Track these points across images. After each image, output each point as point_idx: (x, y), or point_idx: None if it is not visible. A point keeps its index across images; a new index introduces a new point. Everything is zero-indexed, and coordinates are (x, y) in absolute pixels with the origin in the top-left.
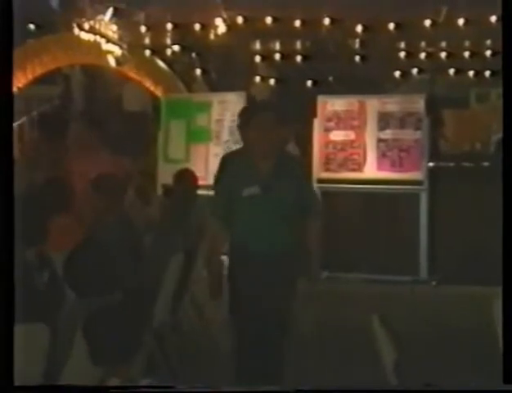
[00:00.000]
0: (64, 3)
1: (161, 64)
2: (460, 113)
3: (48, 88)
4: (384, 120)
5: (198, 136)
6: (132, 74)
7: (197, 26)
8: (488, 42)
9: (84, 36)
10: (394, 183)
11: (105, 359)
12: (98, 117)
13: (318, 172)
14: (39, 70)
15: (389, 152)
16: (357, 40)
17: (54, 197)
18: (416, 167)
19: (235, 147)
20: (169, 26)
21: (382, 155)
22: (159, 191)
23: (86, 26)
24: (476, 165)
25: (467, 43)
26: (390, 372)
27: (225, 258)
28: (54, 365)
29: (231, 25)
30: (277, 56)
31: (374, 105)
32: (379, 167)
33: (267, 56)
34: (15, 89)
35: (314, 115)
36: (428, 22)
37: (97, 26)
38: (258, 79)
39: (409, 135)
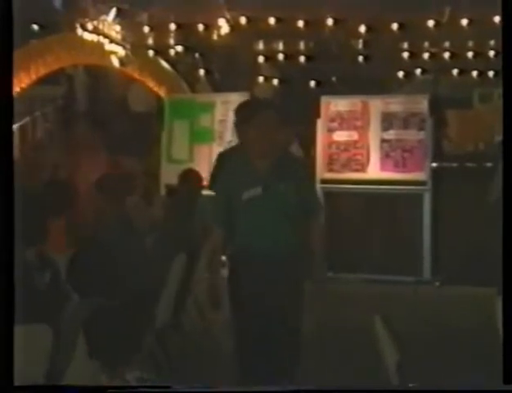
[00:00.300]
0: (67, 3)
1: (164, 64)
2: (463, 113)
3: (52, 89)
4: (388, 121)
5: (201, 136)
6: (136, 75)
7: (200, 26)
8: (492, 42)
9: (87, 36)
10: (397, 184)
11: (106, 359)
12: (101, 117)
13: (321, 172)
14: (43, 71)
15: (393, 153)
16: (360, 40)
17: (56, 197)
18: (420, 167)
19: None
20: (172, 26)
21: (385, 156)
22: (163, 191)
23: (89, 26)
24: (479, 166)
25: (470, 44)
26: (392, 373)
27: (226, 261)
28: (56, 366)
29: (234, 26)
30: (280, 57)
31: (377, 105)
32: (383, 167)
33: (270, 57)
34: (18, 89)
35: (317, 115)
36: (431, 22)
37: (100, 26)
38: (261, 79)
39: (412, 135)
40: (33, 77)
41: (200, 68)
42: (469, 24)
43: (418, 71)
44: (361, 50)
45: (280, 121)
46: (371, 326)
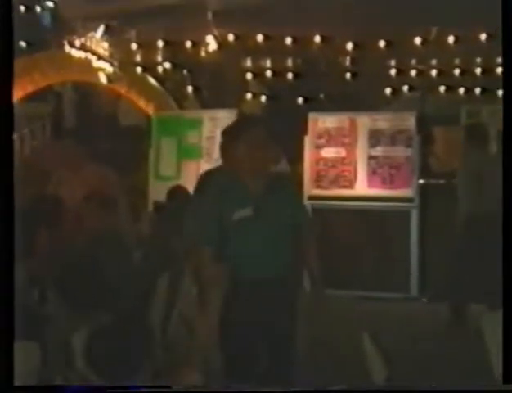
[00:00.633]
0: (55, 21)
1: (152, 81)
2: (450, 130)
3: (39, 106)
4: (375, 137)
5: (189, 153)
6: (124, 91)
7: (188, 43)
8: (478, 59)
9: (75, 53)
10: (385, 200)
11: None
12: (90, 134)
13: (309, 189)
14: (30, 88)
15: (380, 169)
16: (348, 57)
17: (44, 213)
18: (407, 184)
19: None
20: (160, 43)
21: (373, 173)
22: (150, 207)
23: (77, 43)
24: None
25: (457, 61)
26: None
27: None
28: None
29: (222, 43)
30: (268, 74)
31: (364, 122)
32: (370, 184)
33: (258, 74)
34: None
35: (305, 132)
36: (418, 40)
37: (88, 43)
38: (249, 95)
39: (400, 152)
40: (21, 94)
41: (188, 85)
42: (455, 41)
43: (405, 88)
44: (349, 67)
45: (269, 137)
46: (360, 343)
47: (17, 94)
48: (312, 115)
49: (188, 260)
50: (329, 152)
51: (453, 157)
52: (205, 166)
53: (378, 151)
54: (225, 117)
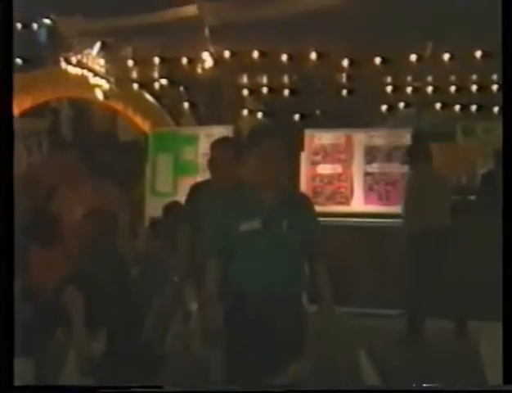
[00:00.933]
0: (51, 37)
1: (149, 97)
2: (446, 147)
3: (36, 122)
4: (371, 154)
5: (185, 169)
6: (120, 108)
7: (184, 60)
8: (474, 76)
9: (72, 70)
10: (381, 217)
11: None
12: (86, 150)
13: None
14: (26, 104)
15: (376, 186)
16: (344, 74)
17: (41, 229)
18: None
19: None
20: (156, 60)
21: (369, 189)
22: (147, 223)
23: (73, 60)
24: (462, 199)
25: (453, 78)
26: None
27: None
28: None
29: (218, 59)
30: (264, 90)
31: (361, 138)
32: (367, 200)
33: (254, 90)
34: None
35: (301, 148)
36: (414, 57)
37: (85, 60)
38: (245, 112)
39: (396, 169)
40: (17, 111)
41: (184, 101)
42: (450, 58)
43: (401, 105)
44: (345, 83)
45: (283, 147)
46: (356, 359)
47: (13, 111)
48: (308, 132)
49: (188, 277)
50: (325, 169)
51: (448, 174)
52: None
53: (374, 167)
54: (221, 134)
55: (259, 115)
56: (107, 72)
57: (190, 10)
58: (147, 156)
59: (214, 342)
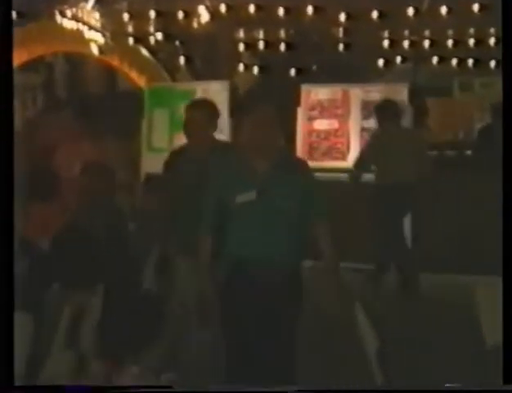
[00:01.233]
0: None
1: (144, 52)
2: (443, 102)
3: (31, 76)
4: (368, 109)
5: (181, 125)
6: (116, 63)
7: (180, 14)
8: (471, 30)
9: (67, 24)
10: None
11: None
12: (82, 105)
13: None
14: (21, 59)
15: None
16: (341, 29)
17: (38, 184)
18: None
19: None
20: (152, 14)
21: None
22: (142, 179)
23: (68, 13)
24: (459, 154)
25: (450, 32)
26: (373, 360)
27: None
28: (36, 355)
29: (214, 13)
30: (261, 45)
31: (357, 94)
32: None
33: (250, 45)
34: None
35: (298, 103)
36: (411, 10)
37: (80, 14)
38: (241, 67)
39: None
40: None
41: (180, 56)
42: (448, 12)
43: (398, 59)
44: (342, 38)
45: (277, 115)
46: (352, 313)
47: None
48: (304, 87)
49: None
50: (321, 124)
51: (446, 129)
52: None
53: (370, 122)
54: (217, 89)
55: (255, 69)
56: (102, 26)
57: None
58: (143, 112)
59: (209, 318)
